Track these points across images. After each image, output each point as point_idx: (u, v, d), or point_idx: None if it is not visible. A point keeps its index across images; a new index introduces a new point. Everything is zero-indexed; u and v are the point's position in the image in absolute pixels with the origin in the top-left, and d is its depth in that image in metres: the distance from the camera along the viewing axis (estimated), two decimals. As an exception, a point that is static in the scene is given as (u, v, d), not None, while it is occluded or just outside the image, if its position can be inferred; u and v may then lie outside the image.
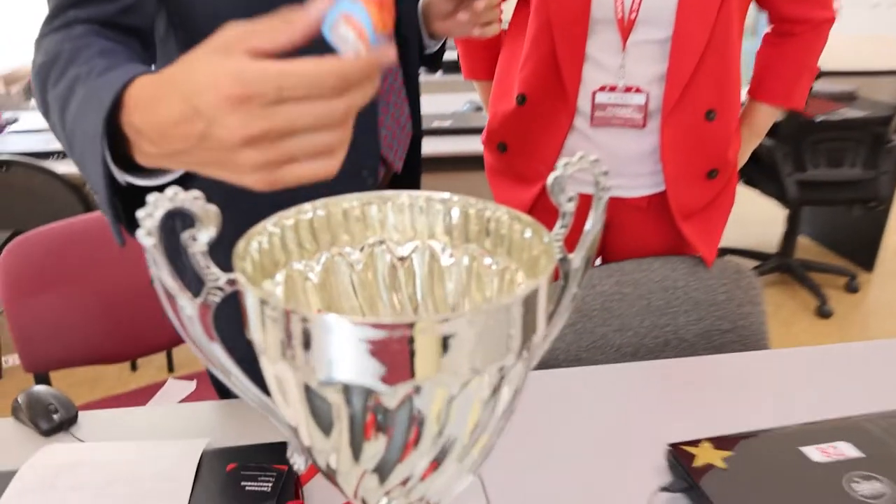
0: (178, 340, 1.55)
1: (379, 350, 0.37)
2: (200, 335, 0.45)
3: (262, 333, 0.41)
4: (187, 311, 0.44)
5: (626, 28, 1.16)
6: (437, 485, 0.47)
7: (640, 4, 1.14)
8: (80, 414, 0.87)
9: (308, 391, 0.42)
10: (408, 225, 0.55)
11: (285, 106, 0.42)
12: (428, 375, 0.39)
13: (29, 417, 0.85)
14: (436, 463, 0.44)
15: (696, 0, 1.12)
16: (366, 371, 0.38)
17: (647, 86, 1.19)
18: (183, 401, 1.54)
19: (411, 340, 0.37)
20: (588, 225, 0.54)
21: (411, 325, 0.37)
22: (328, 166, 0.45)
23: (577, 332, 1.29)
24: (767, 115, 1.36)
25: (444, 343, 0.38)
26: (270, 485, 0.71)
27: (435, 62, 1.12)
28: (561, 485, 0.76)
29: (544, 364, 1.23)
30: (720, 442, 0.78)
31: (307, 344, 0.39)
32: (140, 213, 0.41)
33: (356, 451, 0.44)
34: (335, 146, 0.45)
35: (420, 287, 0.57)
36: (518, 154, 1.34)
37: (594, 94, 1.20)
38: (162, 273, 0.43)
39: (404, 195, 0.55)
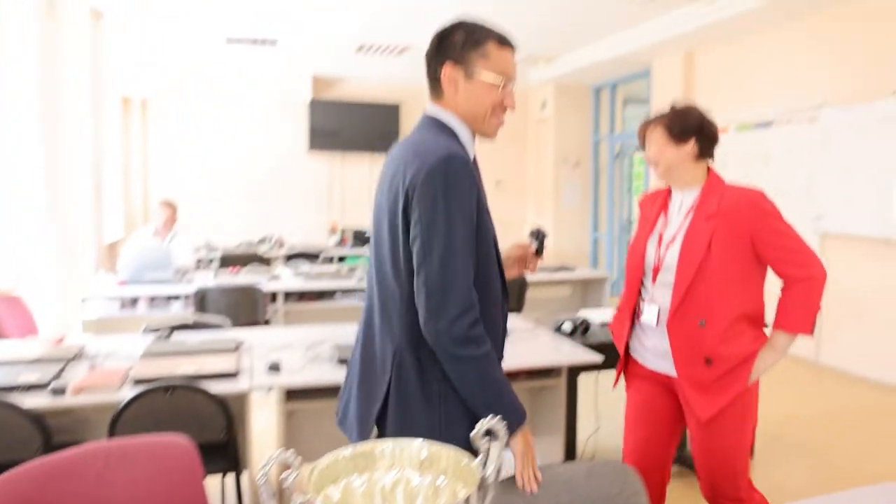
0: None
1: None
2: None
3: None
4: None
5: (655, 272, 2.23)
6: None
7: (661, 260, 2.21)
8: None
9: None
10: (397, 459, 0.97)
11: None
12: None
13: None
14: None
15: (687, 258, 2.12)
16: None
17: (662, 303, 2.20)
18: None
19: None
20: (490, 467, 0.96)
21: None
22: None
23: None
24: (782, 338, 2.13)
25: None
26: None
27: None
28: None
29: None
30: None
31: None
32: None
33: None
34: None
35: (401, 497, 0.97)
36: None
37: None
38: None
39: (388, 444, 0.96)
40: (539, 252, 1.94)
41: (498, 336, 1.68)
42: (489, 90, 1.63)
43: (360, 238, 8.35)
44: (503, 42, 1.67)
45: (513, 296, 5.54)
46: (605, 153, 9.80)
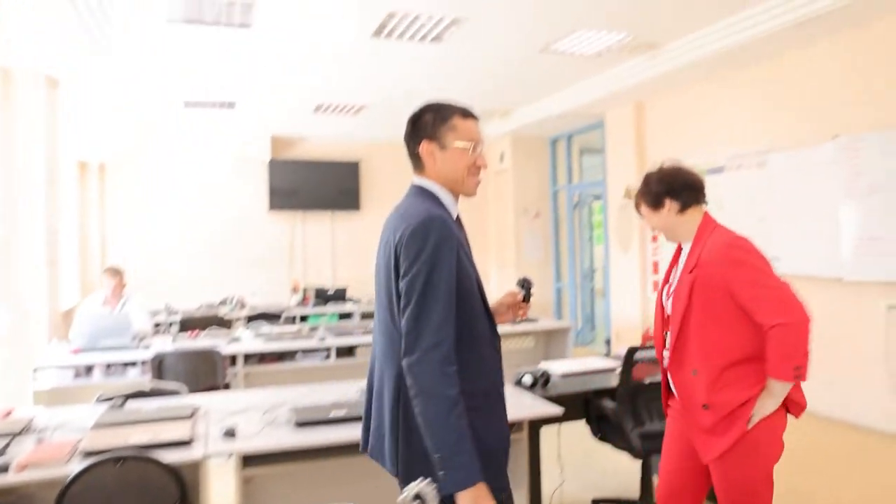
0: None
1: None
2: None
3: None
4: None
5: (665, 322, 2.40)
6: None
7: (665, 312, 2.39)
8: None
9: None
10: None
11: None
12: None
13: None
14: None
15: (675, 311, 2.29)
16: None
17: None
18: None
19: None
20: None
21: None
22: None
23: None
24: (774, 385, 2.17)
25: None
26: None
27: None
28: None
29: None
30: None
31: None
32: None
33: None
34: None
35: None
36: None
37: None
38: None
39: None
40: (527, 299, 2.15)
41: (488, 368, 1.87)
42: (461, 155, 1.93)
43: (322, 296, 8.29)
44: (466, 114, 1.96)
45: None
46: (564, 203, 9.95)
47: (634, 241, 7.74)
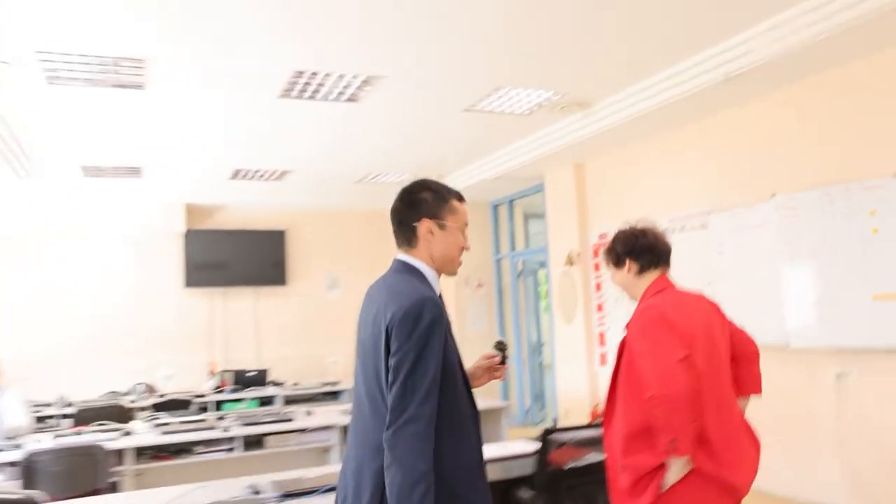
0: None
1: None
2: None
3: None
4: None
5: None
6: None
7: None
8: None
9: None
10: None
11: None
12: None
13: None
14: None
15: (611, 373, 2.53)
16: None
17: None
18: None
19: None
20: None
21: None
22: None
23: None
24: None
25: None
26: None
27: None
28: None
29: None
30: None
31: None
32: None
33: None
34: None
35: None
36: None
37: None
38: None
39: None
40: (503, 361, 2.33)
41: (471, 445, 2.05)
42: (458, 237, 2.17)
43: (241, 380, 8.03)
44: (460, 198, 2.22)
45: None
46: (507, 271, 9.94)
47: (579, 310, 7.71)
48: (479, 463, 2.05)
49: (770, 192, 5.37)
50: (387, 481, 1.85)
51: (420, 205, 2.13)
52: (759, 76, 5.06)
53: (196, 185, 8.49)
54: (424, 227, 2.11)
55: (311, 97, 5.50)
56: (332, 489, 3.00)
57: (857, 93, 4.90)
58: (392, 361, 1.92)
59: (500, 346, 2.34)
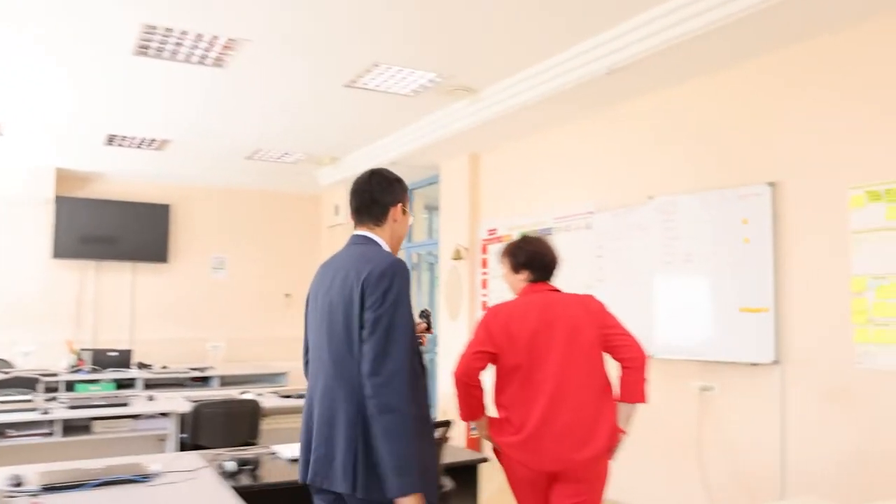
0: None
1: None
2: None
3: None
4: None
5: None
6: None
7: None
8: None
9: None
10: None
11: None
12: None
13: None
14: None
15: None
16: None
17: None
18: None
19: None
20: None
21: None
22: None
23: None
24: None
25: None
26: None
27: None
28: None
29: None
30: None
31: None
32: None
33: None
34: None
35: None
36: None
37: None
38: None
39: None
40: (429, 328, 2.57)
41: (425, 396, 2.23)
42: (407, 224, 2.45)
43: (101, 361, 7.55)
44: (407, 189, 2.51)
45: (245, 425, 5.04)
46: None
47: (464, 307, 7.50)
48: (430, 413, 2.26)
49: (649, 194, 5.25)
50: (380, 426, 2.05)
51: (395, 188, 2.38)
52: (640, 72, 4.93)
53: (66, 148, 7.94)
54: (397, 210, 2.36)
55: (172, 58, 5.11)
56: (106, 483, 2.70)
57: (736, 98, 4.81)
58: (369, 315, 2.12)
59: (425, 314, 2.57)
